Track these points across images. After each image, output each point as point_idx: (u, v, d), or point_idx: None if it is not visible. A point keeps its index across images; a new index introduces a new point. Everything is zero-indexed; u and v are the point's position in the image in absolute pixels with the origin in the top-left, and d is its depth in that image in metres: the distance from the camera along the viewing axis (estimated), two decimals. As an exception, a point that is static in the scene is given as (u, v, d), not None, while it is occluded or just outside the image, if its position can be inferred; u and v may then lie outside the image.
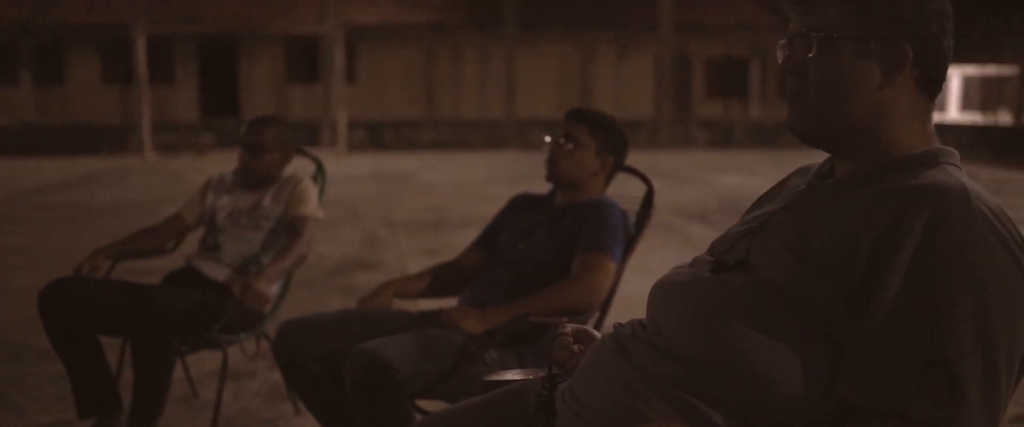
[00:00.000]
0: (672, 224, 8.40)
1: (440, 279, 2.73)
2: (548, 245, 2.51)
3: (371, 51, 22.33)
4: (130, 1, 18.75)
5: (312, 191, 3.25)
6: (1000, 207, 1.22)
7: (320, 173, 3.47)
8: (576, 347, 1.57)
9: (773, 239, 1.33)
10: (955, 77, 26.21)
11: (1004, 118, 21.83)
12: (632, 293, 2.28)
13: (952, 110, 25.75)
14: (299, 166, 3.36)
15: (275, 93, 22.31)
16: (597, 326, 2.52)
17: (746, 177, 13.18)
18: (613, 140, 2.61)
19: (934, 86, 1.34)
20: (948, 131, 18.30)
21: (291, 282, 3.25)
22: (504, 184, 11.77)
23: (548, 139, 2.62)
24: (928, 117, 1.36)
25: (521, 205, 2.74)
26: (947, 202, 1.18)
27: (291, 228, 3.14)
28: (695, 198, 10.57)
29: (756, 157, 17.50)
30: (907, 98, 1.32)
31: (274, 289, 3.10)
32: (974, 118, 23.87)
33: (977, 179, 1.39)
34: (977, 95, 26.02)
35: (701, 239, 7.33)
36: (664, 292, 1.41)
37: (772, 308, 1.24)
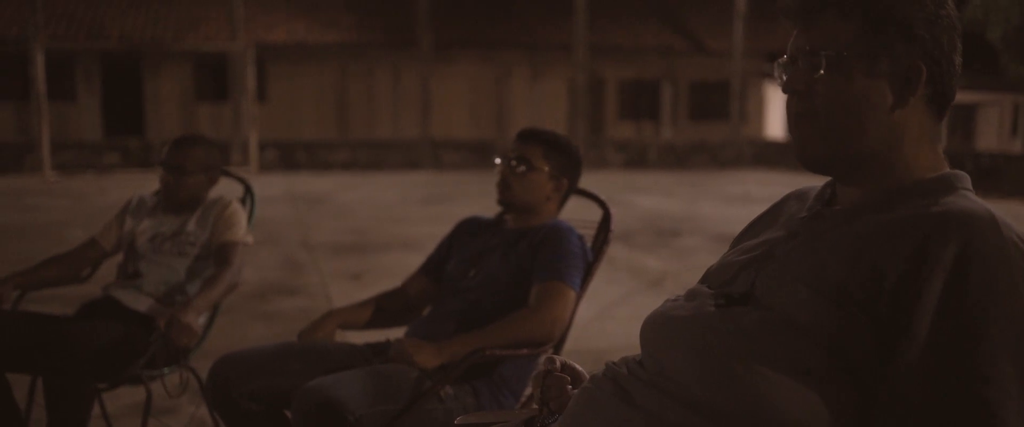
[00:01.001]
0: (595, 246, 8.35)
1: (385, 308, 2.57)
2: (502, 272, 2.38)
3: (282, 70, 21.91)
4: (27, 14, 17.97)
5: (241, 215, 3.07)
6: None
7: (248, 196, 3.28)
8: (568, 387, 1.44)
9: (783, 271, 1.24)
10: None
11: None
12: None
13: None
14: (226, 188, 3.17)
15: (182, 112, 21.68)
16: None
17: (662, 198, 13.28)
18: (568, 162, 2.50)
19: (944, 105, 1.27)
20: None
21: (218, 313, 3.05)
22: (422, 205, 11.59)
23: (499, 161, 2.49)
24: (938, 138, 1.29)
25: (469, 230, 2.61)
26: (977, 231, 1.10)
27: (219, 255, 2.95)
28: (617, 219, 10.56)
29: (670, 178, 17.70)
30: (918, 119, 1.24)
31: (201, 320, 2.90)
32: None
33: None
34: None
35: (628, 261, 7.30)
36: (663, 328, 1.30)
37: (794, 348, 1.14)
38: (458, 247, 2.57)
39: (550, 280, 2.29)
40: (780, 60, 1.32)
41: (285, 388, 2.10)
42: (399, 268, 7.07)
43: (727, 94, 22.82)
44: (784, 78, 1.30)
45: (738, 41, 21.62)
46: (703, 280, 1.40)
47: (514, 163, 2.44)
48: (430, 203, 11.99)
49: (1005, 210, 1.16)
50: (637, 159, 20.81)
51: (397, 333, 2.57)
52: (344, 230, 9.31)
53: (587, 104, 21.06)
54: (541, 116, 23.02)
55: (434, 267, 2.61)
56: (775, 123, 26.02)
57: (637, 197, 13.31)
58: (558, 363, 1.48)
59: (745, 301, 1.24)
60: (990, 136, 26.71)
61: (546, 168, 2.46)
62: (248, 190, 3.30)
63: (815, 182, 1.44)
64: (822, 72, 1.23)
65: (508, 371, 2.27)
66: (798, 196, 1.44)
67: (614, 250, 8.29)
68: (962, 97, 26.49)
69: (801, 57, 1.26)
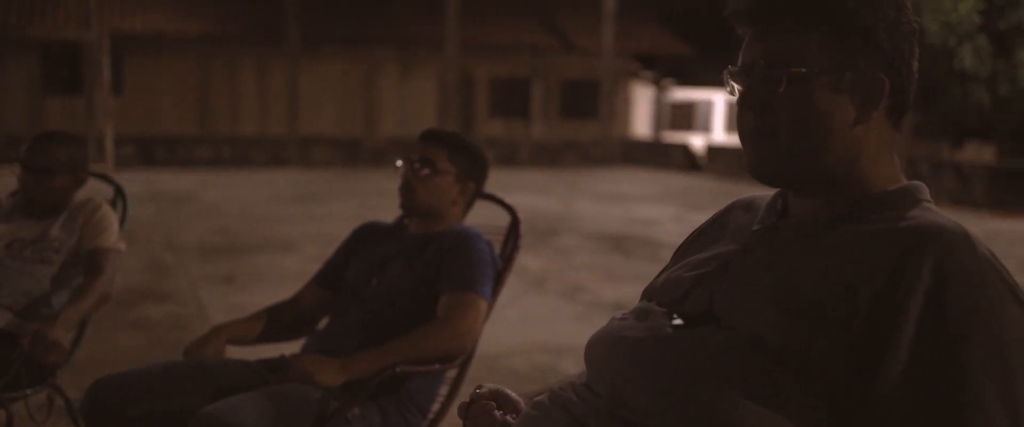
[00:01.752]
0: (474, 245, 8.26)
1: (277, 321, 2.40)
2: (406, 281, 2.25)
3: (140, 61, 20.91)
4: None
5: (112, 219, 2.83)
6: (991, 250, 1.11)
7: (120, 198, 3.03)
8: (498, 413, 1.33)
9: (742, 288, 1.17)
10: (720, 100, 27.90)
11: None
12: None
13: (718, 132, 27.37)
14: (95, 190, 2.92)
15: (30, 105, 20.43)
16: (461, 372, 2.29)
17: (537, 197, 13.32)
18: (474, 165, 2.39)
19: (903, 114, 1.23)
20: (718, 154, 19.38)
21: (88, 326, 2.80)
22: (293, 204, 11.25)
23: (400, 163, 2.36)
24: (895, 149, 1.25)
25: (368, 236, 2.47)
26: (952, 248, 1.06)
27: (90, 262, 2.71)
28: (493, 217, 10.51)
29: (543, 176, 17.80)
30: (878, 131, 1.20)
31: (70, 335, 2.65)
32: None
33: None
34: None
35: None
36: (615, 350, 1.21)
37: (763, 369, 1.07)
38: (357, 254, 2.42)
39: (460, 290, 2.18)
40: (731, 68, 1.24)
41: (174, 412, 1.92)
42: (273, 270, 6.83)
43: (597, 93, 23.14)
44: (738, 89, 1.22)
45: (607, 41, 21.95)
46: (648, 296, 1.32)
47: (417, 165, 2.32)
48: (301, 202, 11.65)
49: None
50: (509, 156, 20.85)
51: (292, 348, 2.41)
52: (212, 230, 8.92)
53: (458, 102, 20.97)
54: (411, 113, 22.80)
55: (330, 276, 2.45)
56: (641, 122, 26.57)
57: (511, 195, 13.24)
58: (486, 389, 1.37)
59: (705, 320, 1.16)
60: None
61: (452, 171, 2.34)
62: (119, 192, 3.05)
63: (759, 191, 1.37)
64: (783, 89, 1.16)
65: (414, 387, 2.15)
66: (744, 206, 1.38)
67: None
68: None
69: (758, 69, 1.19)
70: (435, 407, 2.23)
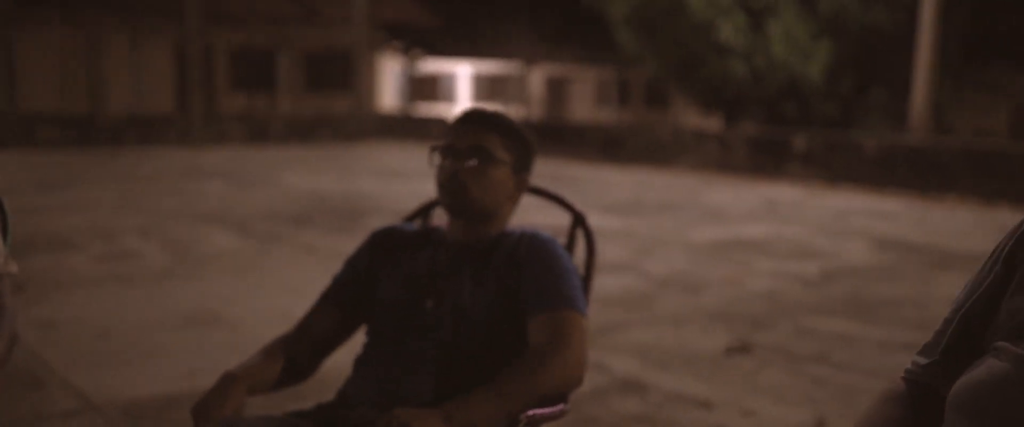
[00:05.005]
0: (280, 233, 7.59)
1: (295, 357, 1.87)
2: (478, 302, 1.81)
3: None
4: None
5: (-3, 236, 2.13)
6: None
7: None
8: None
9: None
10: (464, 72, 27.99)
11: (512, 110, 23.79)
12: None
13: (463, 103, 27.50)
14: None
15: None
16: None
17: (312, 176, 12.60)
18: (528, 152, 1.97)
19: None
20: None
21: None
22: (39, 193, 9.87)
23: (440, 154, 1.89)
24: None
25: (392, 245, 1.97)
26: None
27: None
28: (281, 200, 9.78)
29: (302, 154, 16.97)
30: None
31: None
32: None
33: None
34: (485, 90, 28.11)
35: (330, 249, 6.67)
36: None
37: None
38: (385, 268, 1.93)
39: (558, 308, 1.77)
40: None
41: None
42: (64, 274, 5.83)
43: (344, 64, 22.38)
44: None
45: (361, 8, 21.24)
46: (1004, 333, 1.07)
47: (468, 156, 1.86)
48: (48, 190, 10.24)
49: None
50: (259, 133, 19.71)
51: (318, 391, 1.89)
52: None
53: (196, 74, 19.50)
54: (146, 88, 21.01)
55: (347, 294, 1.94)
56: (388, 94, 26.13)
57: (285, 176, 12.50)
58: None
59: None
60: (584, 107, 29.08)
61: (508, 160, 1.90)
62: (-1, 199, 2.31)
63: None
64: None
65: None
66: None
67: (308, 236, 7.61)
68: (560, 71, 28.50)
69: None
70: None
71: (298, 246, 7.02)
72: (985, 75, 14.46)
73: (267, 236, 7.41)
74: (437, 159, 1.91)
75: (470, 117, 1.92)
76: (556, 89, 29.25)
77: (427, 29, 24.98)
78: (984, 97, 14.93)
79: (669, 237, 7.64)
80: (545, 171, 14.86)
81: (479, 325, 1.80)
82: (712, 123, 17.20)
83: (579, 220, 2.06)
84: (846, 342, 4.34)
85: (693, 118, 26.56)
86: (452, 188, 1.86)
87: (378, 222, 8.21)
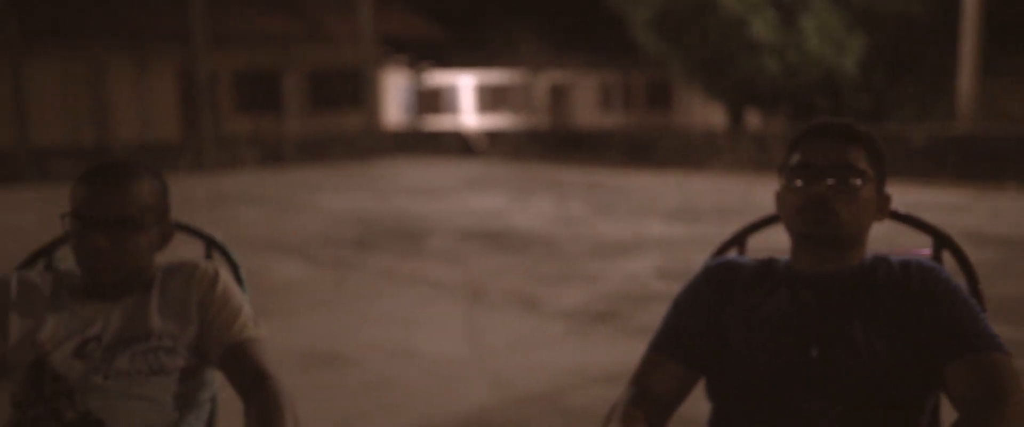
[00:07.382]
0: (347, 259, 7.25)
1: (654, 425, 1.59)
2: (877, 349, 1.51)
3: None
4: None
5: (238, 291, 1.83)
6: None
7: (226, 258, 2.00)
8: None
9: None
10: (467, 83, 27.70)
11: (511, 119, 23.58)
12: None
13: (468, 115, 27.24)
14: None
15: None
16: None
17: (345, 197, 12.29)
18: (884, 166, 1.67)
19: None
20: (499, 139, 19.09)
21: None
22: (41, 229, 9.48)
23: (791, 174, 1.59)
24: None
25: (734, 279, 1.67)
26: None
27: (242, 368, 1.71)
28: (327, 224, 9.46)
29: (323, 174, 16.66)
30: None
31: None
32: (494, 121, 25.38)
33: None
34: (489, 100, 27.86)
35: (410, 274, 6.35)
36: None
37: None
38: (730, 310, 1.63)
39: (985, 352, 1.47)
40: None
41: None
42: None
43: (350, 81, 22.07)
44: None
45: (367, 24, 20.95)
46: None
47: (846, 179, 1.56)
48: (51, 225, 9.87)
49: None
50: (272, 155, 19.37)
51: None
52: None
53: (205, 99, 19.16)
54: (151, 115, 20.65)
55: (691, 344, 1.65)
56: (393, 108, 25.82)
57: (318, 198, 12.16)
58: None
59: None
60: (586, 112, 28.85)
61: (874, 177, 1.62)
62: (225, 253, 2.01)
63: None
64: None
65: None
66: None
67: (380, 262, 7.25)
68: (563, 78, 28.23)
69: None
70: None
71: (375, 273, 6.69)
72: (1020, 61, 14.24)
73: (336, 263, 7.09)
74: (784, 180, 1.62)
75: (829, 129, 1.63)
76: (559, 96, 29.00)
77: (431, 41, 24.68)
78: (1017, 84, 14.71)
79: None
80: (574, 179, 14.64)
81: (882, 375, 1.50)
82: (718, 121, 16.89)
83: (944, 242, 1.77)
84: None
85: (697, 117, 26.36)
86: (818, 215, 1.57)
87: (442, 243, 7.89)
